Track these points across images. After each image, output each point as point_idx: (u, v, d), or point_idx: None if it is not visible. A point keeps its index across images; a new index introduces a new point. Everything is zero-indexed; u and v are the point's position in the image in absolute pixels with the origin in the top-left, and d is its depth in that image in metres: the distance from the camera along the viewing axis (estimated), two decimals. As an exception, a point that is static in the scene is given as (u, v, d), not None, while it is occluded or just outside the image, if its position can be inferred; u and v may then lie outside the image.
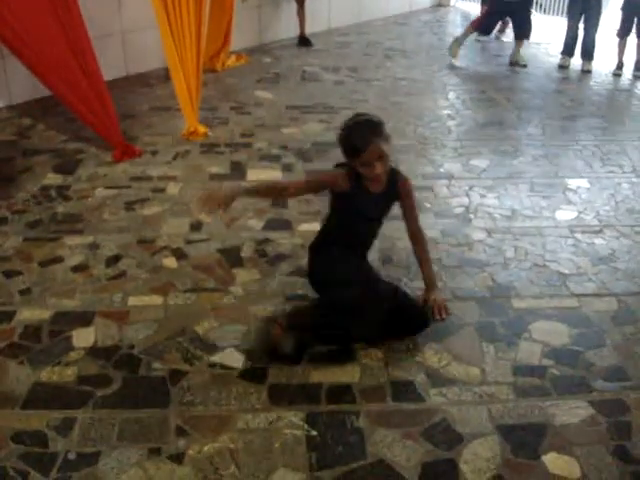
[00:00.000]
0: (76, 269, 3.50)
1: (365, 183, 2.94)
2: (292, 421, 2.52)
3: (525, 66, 7.40)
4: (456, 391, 2.68)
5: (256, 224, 3.87)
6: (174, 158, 4.85)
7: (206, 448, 2.41)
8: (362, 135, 2.80)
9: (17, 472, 2.33)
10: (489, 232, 3.86)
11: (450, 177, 4.57)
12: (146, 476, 2.30)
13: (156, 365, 2.81)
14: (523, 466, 2.35)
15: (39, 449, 2.42)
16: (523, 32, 7.46)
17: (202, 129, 5.23)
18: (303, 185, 3.21)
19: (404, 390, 2.68)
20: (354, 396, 2.64)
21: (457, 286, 3.35)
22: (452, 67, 7.40)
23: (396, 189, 3.05)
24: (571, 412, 2.59)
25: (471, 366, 2.82)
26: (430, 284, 3.19)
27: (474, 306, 3.20)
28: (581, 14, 7.22)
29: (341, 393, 2.65)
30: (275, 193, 3.34)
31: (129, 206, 4.15)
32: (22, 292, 3.32)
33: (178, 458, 2.37)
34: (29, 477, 2.31)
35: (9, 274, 3.47)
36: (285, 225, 3.89)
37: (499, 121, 5.72)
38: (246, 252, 3.60)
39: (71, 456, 2.39)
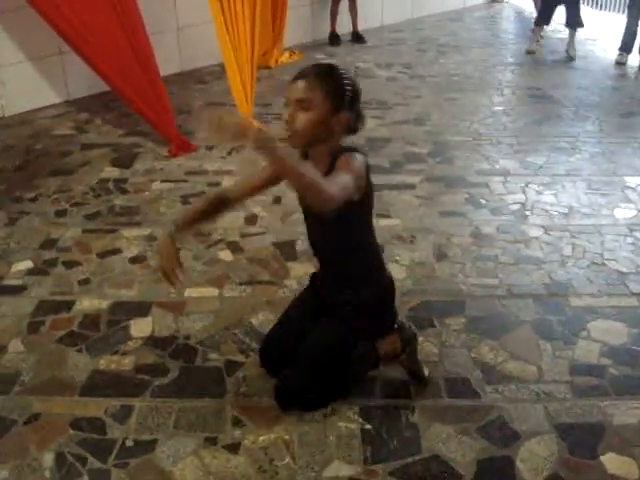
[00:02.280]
0: (134, 260, 3.56)
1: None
2: (347, 414, 2.51)
3: (572, 59, 7.29)
4: (512, 389, 2.65)
5: (311, 218, 3.88)
6: (229, 153, 4.90)
7: (261, 439, 2.42)
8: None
9: (76, 458, 2.37)
10: (546, 229, 3.80)
11: (506, 174, 4.52)
12: (202, 465, 2.33)
13: (212, 356, 2.84)
14: (581, 466, 2.31)
15: (97, 436, 2.47)
16: (575, 21, 7.35)
17: (256, 124, 5.25)
18: (254, 181, 2.58)
19: (459, 386, 2.66)
20: (409, 391, 2.63)
21: (514, 283, 3.30)
22: (506, 63, 7.32)
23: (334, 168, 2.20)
24: (630, 412, 2.53)
25: (528, 364, 2.78)
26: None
27: (531, 303, 3.16)
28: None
29: (396, 388, 2.64)
30: (221, 204, 2.56)
31: (185, 200, 4.20)
32: (81, 282, 3.39)
33: (234, 448, 2.39)
34: (87, 463, 2.35)
35: (69, 264, 3.55)
36: (339, 220, 3.88)
37: (555, 118, 5.64)
38: (301, 246, 3.61)
39: (129, 443, 2.43)
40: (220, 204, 2.54)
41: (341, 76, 2.23)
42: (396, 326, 2.63)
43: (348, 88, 2.22)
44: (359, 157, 2.23)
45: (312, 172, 1.97)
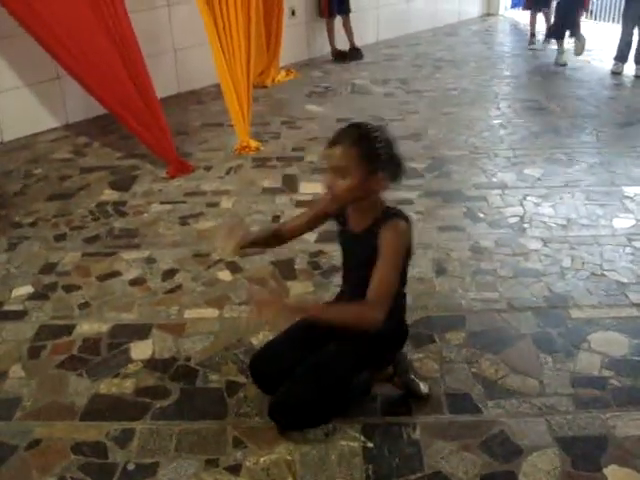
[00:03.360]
0: (133, 283, 3.57)
1: (347, 214, 2.45)
2: (348, 433, 2.51)
3: (564, 65, 7.40)
4: (514, 403, 2.64)
5: (309, 237, 3.87)
6: (227, 173, 4.92)
7: (263, 459, 2.41)
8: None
9: (78, 483, 2.38)
10: (545, 241, 3.80)
11: (504, 187, 4.53)
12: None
13: (213, 377, 2.83)
14: (584, 479, 2.30)
15: (98, 460, 2.46)
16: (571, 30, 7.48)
17: (254, 144, 5.29)
18: (303, 218, 2.63)
19: (461, 402, 2.65)
20: (410, 408, 2.62)
21: (513, 296, 3.30)
22: (502, 76, 7.35)
23: (376, 232, 2.29)
24: (632, 424, 2.52)
25: (529, 377, 2.77)
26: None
27: (531, 316, 3.15)
28: (635, 21, 7.10)
29: (396, 405, 2.64)
30: (277, 236, 2.64)
31: (184, 221, 4.21)
32: (81, 306, 3.39)
33: (235, 469, 2.38)
34: (89, 487, 2.36)
35: (69, 288, 3.56)
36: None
37: (552, 129, 5.65)
38: (300, 264, 3.62)
39: (130, 467, 2.43)
40: (276, 237, 2.64)
41: (373, 137, 2.23)
42: None
43: (381, 147, 2.23)
44: (403, 226, 2.31)
45: (346, 310, 2.33)
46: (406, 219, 2.34)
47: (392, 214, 2.34)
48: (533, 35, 8.55)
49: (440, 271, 3.53)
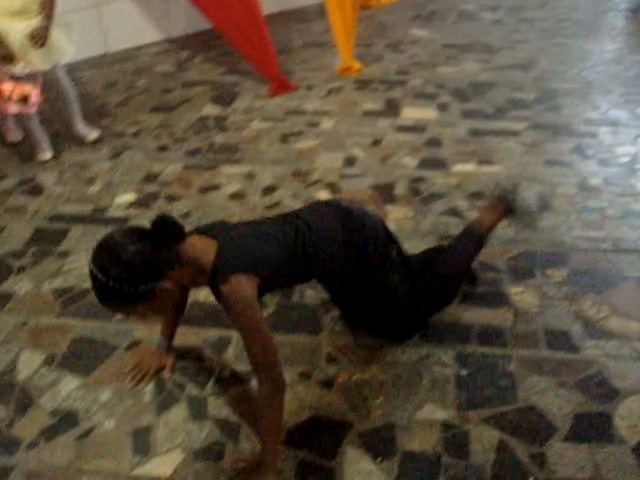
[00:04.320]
0: (233, 197, 3.61)
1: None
2: (442, 359, 2.50)
3: None
4: (614, 345, 2.56)
5: (410, 162, 3.82)
6: (328, 93, 4.87)
7: (355, 377, 2.44)
8: None
9: (174, 384, 2.46)
10: (657, 184, 3.63)
11: (615, 124, 4.31)
12: (296, 398, 2.37)
13: (309, 293, 2.86)
14: (685, 427, 2.24)
15: (196, 364, 2.54)
16: None
17: (357, 65, 5.19)
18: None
19: (559, 339, 2.58)
20: (506, 340, 2.58)
21: (620, 237, 3.17)
22: (619, 10, 6.92)
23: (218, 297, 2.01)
24: None
25: (632, 320, 2.68)
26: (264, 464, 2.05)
27: (637, 260, 3.03)
28: None
29: (493, 336, 2.60)
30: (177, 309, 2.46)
31: (284, 138, 4.21)
32: (183, 216, 3.46)
33: (328, 384, 2.42)
34: (185, 389, 2.43)
35: (170, 198, 3.63)
36: (440, 164, 3.81)
37: (672, 67, 5.32)
38: (399, 189, 3.57)
39: (225, 373, 2.49)
40: (178, 310, 2.48)
41: (100, 277, 1.81)
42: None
43: (111, 286, 1.81)
44: (229, 286, 1.91)
45: (265, 416, 2.01)
46: (236, 265, 1.95)
47: (217, 273, 1.94)
48: None
49: (544, 206, 3.41)
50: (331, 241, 2.22)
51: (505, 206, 2.72)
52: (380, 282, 2.40)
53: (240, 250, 1.99)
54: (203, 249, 1.98)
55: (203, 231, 2.07)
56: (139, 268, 1.80)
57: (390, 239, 2.45)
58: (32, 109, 3.91)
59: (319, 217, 2.26)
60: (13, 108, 3.86)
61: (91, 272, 1.82)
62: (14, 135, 4.45)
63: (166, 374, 2.48)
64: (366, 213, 2.39)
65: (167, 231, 1.88)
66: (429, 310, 2.60)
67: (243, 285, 1.92)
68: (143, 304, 1.86)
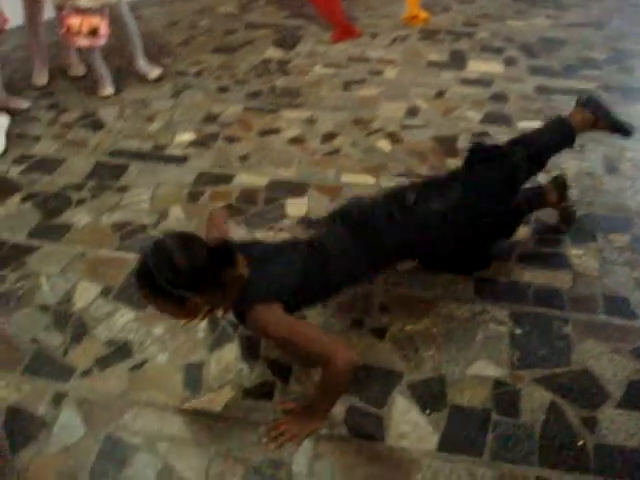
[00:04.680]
0: (293, 141, 3.58)
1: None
2: (496, 316, 2.46)
3: None
4: (676, 315, 2.50)
5: (474, 116, 3.73)
6: (393, 42, 4.77)
7: (408, 328, 2.42)
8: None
9: (229, 323, 2.46)
10: None
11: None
12: (348, 345, 2.36)
13: (365, 242, 2.83)
14: None
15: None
16: None
17: (423, 15, 5.07)
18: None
19: (618, 305, 2.52)
20: (563, 302, 2.53)
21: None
22: None
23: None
24: None
25: (696, 286, 2.61)
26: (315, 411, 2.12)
27: None
28: None
29: (550, 297, 2.55)
30: None
31: (346, 85, 4.15)
32: (241, 158, 3.45)
33: (380, 333, 2.41)
34: (239, 328, 2.44)
35: (229, 140, 3.63)
36: (504, 120, 3.71)
37: None
38: (462, 143, 3.49)
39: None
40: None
41: (152, 270, 1.83)
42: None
43: (164, 279, 1.81)
44: (263, 310, 1.94)
45: (328, 386, 1.99)
46: (260, 296, 1.96)
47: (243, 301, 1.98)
48: None
49: (611, 169, 3.31)
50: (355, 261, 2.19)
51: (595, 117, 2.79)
52: (431, 236, 2.31)
53: (267, 279, 2.00)
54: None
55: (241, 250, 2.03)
56: (185, 273, 1.81)
57: (396, 197, 2.32)
58: (102, 41, 3.93)
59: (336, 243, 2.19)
60: (83, 41, 3.88)
61: (142, 259, 1.87)
62: (77, 69, 4.47)
63: None
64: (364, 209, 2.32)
65: (224, 255, 1.90)
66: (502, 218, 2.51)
67: (267, 311, 1.93)
68: (173, 306, 1.88)
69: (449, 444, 2.05)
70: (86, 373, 2.32)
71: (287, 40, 4.85)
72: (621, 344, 2.36)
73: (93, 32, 3.78)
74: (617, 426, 2.08)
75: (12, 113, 3.94)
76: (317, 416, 2.08)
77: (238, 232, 2.90)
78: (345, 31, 4.81)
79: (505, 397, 2.18)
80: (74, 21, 3.77)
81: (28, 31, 4.22)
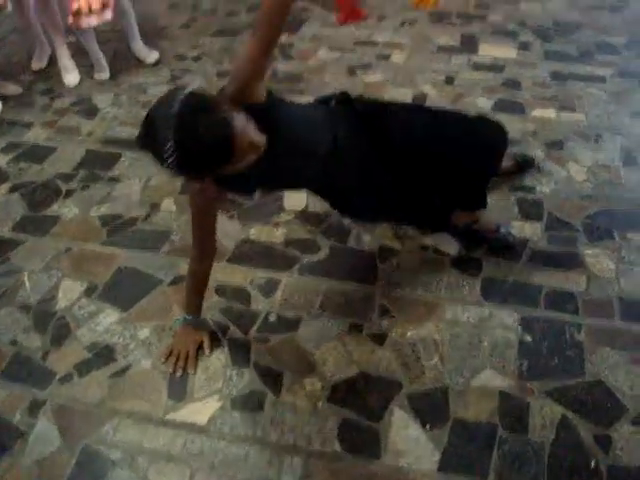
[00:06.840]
0: (293, 130, 3.41)
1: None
2: (505, 321, 2.30)
3: None
4: (699, 321, 2.33)
5: (485, 103, 3.54)
6: (401, 25, 4.57)
7: (409, 334, 2.27)
8: None
9: (217, 325, 2.34)
10: None
11: None
12: (345, 351, 2.22)
13: (366, 238, 2.68)
14: None
15: (240, 305, 2.42)
16: None
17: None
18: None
19: (636, 310, 2.35)
20: (577, 306, 2.36)
21: None
22: None
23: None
24: None
25: None
26: None
27: None
28: None
29: (563, 301, 2.38)
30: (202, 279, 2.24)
31: (351, 70, 3.96)
32: (238, 146, 3.29)
33: (380, 338, 2.26)
34: (228, 331, 2.32)
35: (227, 127, 3.46)
36: (517, 108, 3.51)
37: None
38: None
39: (272, 318, 2.36)
40: (203, 281, 2.21)
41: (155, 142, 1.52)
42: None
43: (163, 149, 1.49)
44: None
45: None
46: None
47: None
48: None
49: (629, 161, 3.12)
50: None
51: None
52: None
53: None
54: None
55: None
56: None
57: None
58: (109, 15, 3.76)
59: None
60: (93, 21, 3.71)
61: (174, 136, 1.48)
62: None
63: (206, 351, 2.24)
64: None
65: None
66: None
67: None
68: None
69: (451, 463, 1.90)
70: (65, 379, 2.18)
71: (291, 23, 4.66)
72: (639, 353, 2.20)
73: (104, 5, 3.67)
74: (633, 445, 1.92)
75: (3, 98, 3.81)
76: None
77: (233, 226, 2.76)
78: (351, 13, 4.62)
79: (513, 411, 2.02)
80: (82, 2, 3.60)
81: (40, 14, 4.02)
